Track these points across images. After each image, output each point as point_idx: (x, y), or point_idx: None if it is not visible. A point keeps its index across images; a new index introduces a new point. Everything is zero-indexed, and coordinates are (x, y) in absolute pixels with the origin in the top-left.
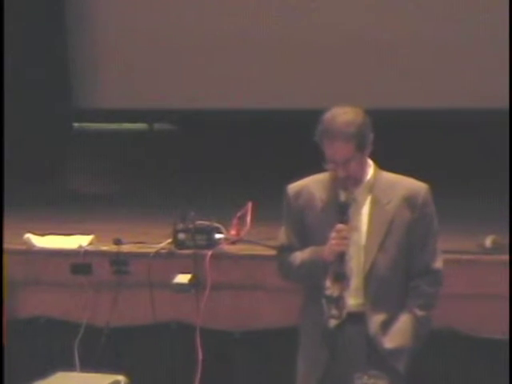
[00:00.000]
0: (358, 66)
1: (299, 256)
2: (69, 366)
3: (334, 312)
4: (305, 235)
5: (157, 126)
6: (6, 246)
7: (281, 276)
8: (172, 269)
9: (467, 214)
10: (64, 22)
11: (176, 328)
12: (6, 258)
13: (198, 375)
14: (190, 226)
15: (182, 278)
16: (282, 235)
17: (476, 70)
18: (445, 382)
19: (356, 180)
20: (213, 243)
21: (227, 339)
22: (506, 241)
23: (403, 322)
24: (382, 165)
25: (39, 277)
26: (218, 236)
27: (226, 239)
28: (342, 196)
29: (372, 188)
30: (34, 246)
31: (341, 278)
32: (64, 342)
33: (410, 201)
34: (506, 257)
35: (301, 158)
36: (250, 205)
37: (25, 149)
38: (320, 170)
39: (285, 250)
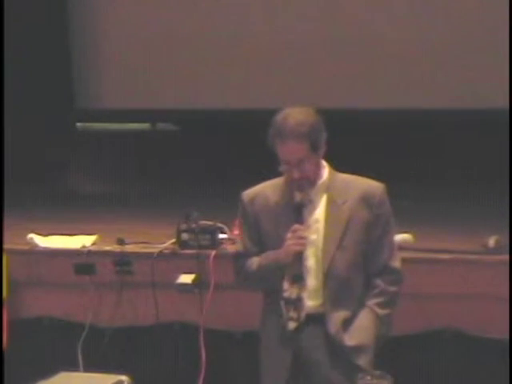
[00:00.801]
0: (358, 66)
1: (256, 261)
2: (72, 366)
3: (293, 314)
4: (261, 240)
5: (159, 126)
6: (9, 246)
7: (238, 282)
8: (175, 269)
9: (470, 215)
10: (66, 22)
11: (179, 328)
12: (8, 258)
13: (202, 375)
14: (194, 226)
15: (186, 278)
16: (238, 243)
17: (477, 69)
18: (447, 382)
19: (311, 181)
20: (216, 243)
21: (231, 339)
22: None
23: (364, 320)
24: (384, 165)
25: (42, 277)
26: (221, 236)
27: (229, 239)
28: (297, 197)
29: (327, 189)
30: (37, 246)
31: (298, 280)
32: (67, 342)
33: (366, 200)
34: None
35: None
36: None
37: (27, 149)
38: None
39: (241, 257)
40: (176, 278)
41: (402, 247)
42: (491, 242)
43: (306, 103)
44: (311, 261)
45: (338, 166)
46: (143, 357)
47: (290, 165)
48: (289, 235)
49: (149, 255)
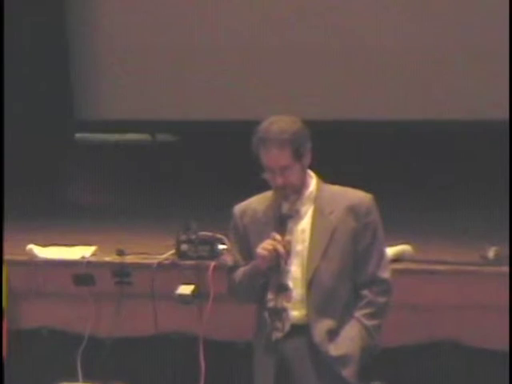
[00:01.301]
0: (357, 76)
1: (241, 271)
2: (71, 377)
3: (278, 324)
4: (250, 253)
5: (159, 136)
6: (8, 257)
7: (231, 296)
8: (175, 280)
9: (470, 226)
10: (65, 32)
11: (178, 339)
12: (8, 268)
13: None
14: (193, 236)
15: (185, 289)
16: (229, 257)
17: (476, 80)
18: None
19: (295, 189)
20: (215, 254)
21: (230, 350)
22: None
23: (350, 330)
24: (383, 175)
25: (42, 288)
26: (220, 247)
27: (228, 250)
28: (284, 207)
29: (315, 199)
30: (36, 256)
31: (283, 290)
32: (66, 353)
33: (353, 210)
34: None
35: None
36: None
37: (26, 159)
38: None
39: (232, 271)
40: (175, 288)
41: (402, 258)
42: (491, 253)
43: (303, 115)
44: (296, 271)
45: (333, 177)
46: (142, 367)
47: (273, 172)
48: (264, 241)
49: (148, 266)
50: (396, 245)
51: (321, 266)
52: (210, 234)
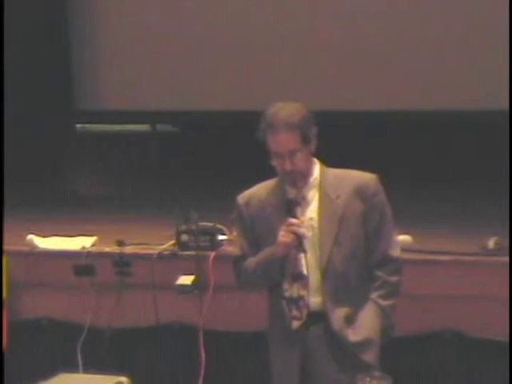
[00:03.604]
0: (356, 68)
1: (253, 260)
2: (71, 367)
3: (295, 313)
4: (258, 243)
5: (159, 127)
6: (9, 247)
7: (240, 285)
8: (175, 270)
9: (470, 216)
10: (66, 23)
11: (179, 329)
12: (8, 259)
13: (201, 376)
14: (193, 227)
15: (185, 280)
16: (235, 247)
17: (476, 71)
18: (447, 383)
19: (303, 175)
20: (216, 244)
21: (230, 340)
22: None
23: (367, 313)
24: (383, 166)
25: (42, 278)
26: (220, 237)
27: (228, 240)
28: (291, 193)
29: (320, 185)
30: (36, 247)
31: (299, 278)
32: (67, 344)
33: (360, 192)
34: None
35: None
36: None
37: (27, 150)
38: None
39: (239, 260)
40: (175, 279)
41: (402, 249)
42: (491, 243)
43: (308, 105)
44: (309, 258)
45: (333, 166)
46: (143, 358)
47: (281, 157)
48: (282, 228)
49: (148, 256)
50: (396, 235)
51: (333, 252)
52: (210, 224)
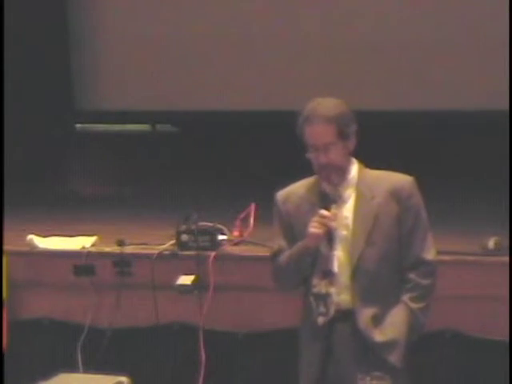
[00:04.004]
0: (356, 68)
1: (286, 254)
2: (71, 367)
3: (322, 309)
4: (295, 239)
5: (159, 127)
6: (9, 247)
7: (275, 283)
8: (175, 270)
9: (470, 216)
10: (66, 22)
11: (179, 329)
12: (8, 259)
13: (201, 376)
14: (193, 227)
15: (185, 280)
16: (274, 243)
17: (476, 71)
18: (447, 383)
19: (338, 170)
20: (216, 244)
21: (230, 340)
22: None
23: (396, 314)
24: (384, 165)
25: (42, 278)
26: (220, 237)
27: (228, 240)
28: (326, 188)
29: (357, 184)
30: (36, 247)
31: (328, 275)
32: (67, 344)
33: (394, 194)
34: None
35: (303, 159)
36: (252, 206)
37: (27, 150)
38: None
39: (276, 256)
40: (176, 279)
41: None
42: (491, 243)
43: (304, 106)
44: (341, 256)
45: None
46: (143, 358)
47: (316, 150)
48: (313, 219)
49: (148, 256)
50: (431, 238)
51: (365, 251)
52: (210, 224)
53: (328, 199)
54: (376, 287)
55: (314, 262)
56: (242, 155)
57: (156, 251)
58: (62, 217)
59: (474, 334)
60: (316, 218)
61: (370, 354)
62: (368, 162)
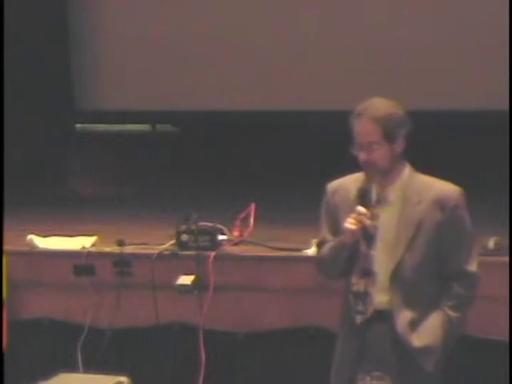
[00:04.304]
0: (358, 67)
1: (328, 245)
2: (71, 367)
3: (361, 308)
4: (339, 232)
5: (159, 127)
6: (9, 247)
7: (319, 271)
8: (175, 270)
9: (470, 216)
10: (66, 22)
11: (179, 329)
12: (8, 259)
13: (201, 376)
14: (193, 227)
15: (185, 280)
16: (321, 233)
17: (476, 71)
18: (447, 383)
19: (379, 170)
20: (216, 244)
21: (230, 340)
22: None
23: (434, 321)
24: None
25: (42, 278)
26: (220, 237)
27: (228, 240)
28: (373, 187)
29: (405, 188)
30: (36, 247)
31: (367, 275)
32: (67, 343)
33: (440, 203)
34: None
35: (303, 159)
36: (253, 206)
37: (27, 150)
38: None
39: (321, 246)
40: (175, 279)
41: None
42: (491, 243)
43: (306, 105)
44: (381, 257)
45: (339, 167)
46: (143, 358)
47: (360, 147)
48: (350, 215)
49: (148, 256)
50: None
51: (405, 256)
52: (210, 224)
53: (369, 197)
54: (414, 292)
55: (354, 259)
56: (242, 155)
57: (156, 251)
58: (62, 217)
59: (474, 334)
60: (353, 215)
61: (404, 357)
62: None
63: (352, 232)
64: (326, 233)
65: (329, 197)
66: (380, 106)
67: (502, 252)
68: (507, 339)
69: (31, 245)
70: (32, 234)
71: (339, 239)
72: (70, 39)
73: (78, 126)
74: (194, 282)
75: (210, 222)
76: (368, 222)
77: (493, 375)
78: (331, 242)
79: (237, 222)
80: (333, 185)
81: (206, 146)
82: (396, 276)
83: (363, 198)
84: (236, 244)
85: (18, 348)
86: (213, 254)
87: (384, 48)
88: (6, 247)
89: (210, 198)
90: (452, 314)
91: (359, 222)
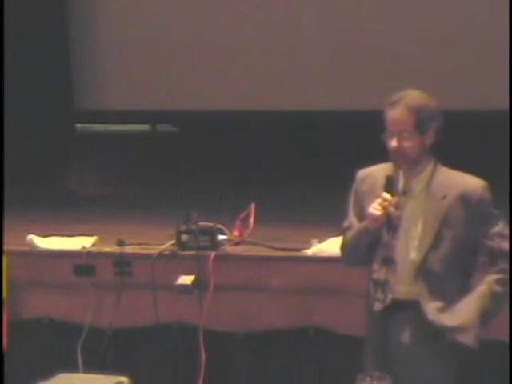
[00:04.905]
0: (358, 67)
1: (352, 230)
2: (71, 367)
3: (380, 295)
4: (364, 218)
5: (159, 127)
6: (9, 247)
7: (342, 257)
8: (175, 270)
9: None
10: (66, 22)
11: (179, 329)
12: (8, 259)
13: (201, 376)
14: (193, 227)
15: (185, 280)
16: (346, 219)
17: (476, 71)
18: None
19: (408, 160)
20: (216, 244)
21: (230, 340)
22: None
23: (472, 299)
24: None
25: (42, 278)
26: (221, 237)
27: (229, 240)
28: (399, 177)
29: (430, 181)
30: (37, 247)
31: (388, 263)
32: (67, 343)
33: (464, 197)
34: None
35: (303, 159)
36: (253, 206)
37: (27, 150)
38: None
39: (345, 232)
40: (175, 279)
41: None
42: None
43: (306, 105)
44: (402, 246)
45: (339, 167)
46: (143, 358)
47: (391, 135)
48: (375, 201)
49: (148, 256)
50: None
51: (431, 250)
52: (210, 224)
53: (394, 185)
54: (441, 285)
55: (375, 247)
56: (242, 155)
57: (156, 251)
58: (62, 216)
59: None
60: (377, 200)
61: (433, 342)
62: (368, 161)
63: (375, 217)
64: (352, 219)
65: (357, 184)
66: (416, 96)
67: None
68: (507, 339)
69: (31, 245)
70: (32, 233)
71: (362, 224)
72: (70, 39)
73: (78, 126)
74: (194, 282)
75: (210, 221)
76: (392, 209)
77: (493, 376)
78: (355, 228)
79: (237, 222)
80: (363, 172)
81: (206, 146)
82: (422, 269)
83: (390, 185)
84: (236, 244)
85: (17, 348)
86: (213, 254)
87: (384, 48)
88: (5, 247)
89: (210, 198)
90: (498, 288)
91: (383, 208)
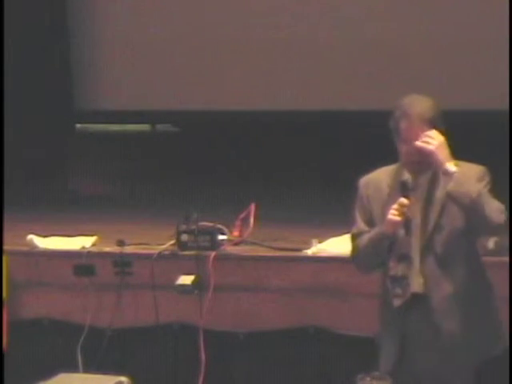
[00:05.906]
0: (359, 67)
1: (367, 236)
2: (72, 368)
3: (398, 291)
4: (372, 222)
5: (159, 127)
6: (9, 247)
7: (354, 264)
8: (175, 270)
9: None
10: (66, 22)
11: (179, 329)
12: (8, 259)
13: (201, 376)
14: (193, 227)
15: (185, 280)
16: (353, 226)
17: (476, 71)
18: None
19: (422, 163)
20: (216, 244)
21: (230, 340)
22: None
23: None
24: (384, 165)
25: (42, 278)
26: (221, 237)
27: (229, 240)
28: (405, 175)
29: (433, 174)
30: (37, 247)
31: (404, 259)
32: (67, 344)
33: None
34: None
35: (303, 159)
36: (253, 206)
37: (27, 150)
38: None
39: (355, 237)
40: (176, 279)
41: None
42: (491, 243)
43: (307, 105)
44: (416, 241)
45: (339, 167)
46: (143, 358)
47: (405, 141)
48: (393, 207)
49: (148, 256)
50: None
51: (434, 235)
52: (210, 224)
53: (408, 188)
54: (446, 270)
55: (391, 245)
56: (241, 155)
57: (156, 251)
58: (62, 217)
59: None
60: (395, 206)
61: (441, 341)
62: (368, 161)
63: (395, 223)
64: (361, 225)
65: (362, 190)
66: (427, 106)
67: (501, 252)
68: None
69: (31, 245)
70: (32, 233)
71: (379, 230)
72: (70, 39)
73: (78, 126)
74: (194, 282)
75: (210, 221)
76: (410, 213)
77: (493, 376)
78: (368, 234)
79: (237, 222)
80: (365, 179)
81: (206, 146)
82: (426, 257)
83: (405, 189)
84: (236, 244)
85: (17, 348)
86: (213, 253)
87: (384, 48)
88: (5, 247)
89: (210, 198)
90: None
91: (402, 213)
